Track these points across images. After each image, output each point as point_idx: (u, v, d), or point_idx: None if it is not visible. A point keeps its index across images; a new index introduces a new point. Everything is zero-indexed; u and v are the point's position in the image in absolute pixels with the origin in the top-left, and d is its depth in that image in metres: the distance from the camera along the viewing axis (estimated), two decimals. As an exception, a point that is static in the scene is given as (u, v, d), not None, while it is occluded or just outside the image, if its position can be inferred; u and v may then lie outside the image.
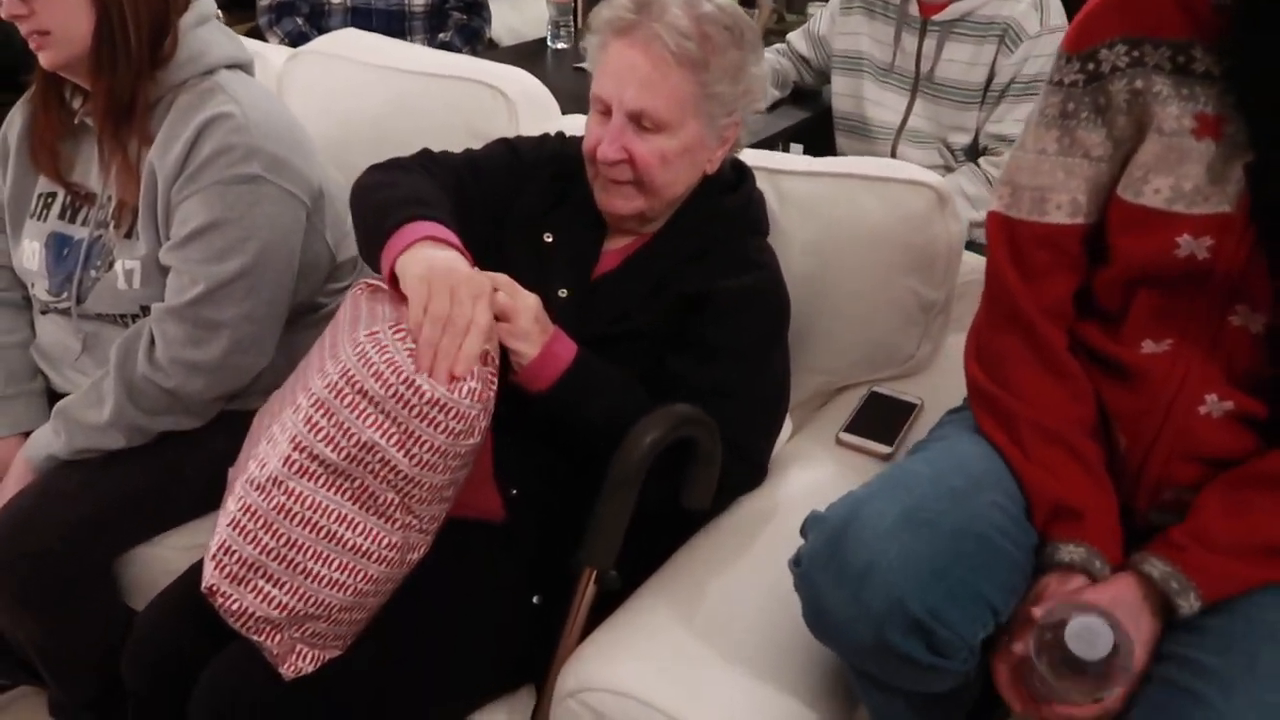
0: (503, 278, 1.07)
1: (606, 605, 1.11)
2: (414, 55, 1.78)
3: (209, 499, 1.21)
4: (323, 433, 0.97)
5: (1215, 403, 0.95)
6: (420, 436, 0.96)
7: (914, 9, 1.90)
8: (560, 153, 1.32)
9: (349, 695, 1.06)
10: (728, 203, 1.27)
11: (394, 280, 1.05)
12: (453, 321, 0.96)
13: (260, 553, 0.99)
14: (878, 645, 0.87)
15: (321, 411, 0.97)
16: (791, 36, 2.20)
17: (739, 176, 1.31)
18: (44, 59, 1.29)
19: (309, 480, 0.98)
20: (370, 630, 1.11)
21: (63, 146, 1.40)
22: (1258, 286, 0.92)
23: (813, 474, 1.24)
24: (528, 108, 1.66)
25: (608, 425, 1.06)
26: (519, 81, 1.68)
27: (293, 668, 1.04)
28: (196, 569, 1.21)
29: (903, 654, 0.87)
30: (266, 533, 0.99)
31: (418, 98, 1.69)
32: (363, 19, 2.59)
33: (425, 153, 1.30)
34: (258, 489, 1.00)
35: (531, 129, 1.63)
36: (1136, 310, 0.99)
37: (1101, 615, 0.84)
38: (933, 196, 1.34)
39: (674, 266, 1.21)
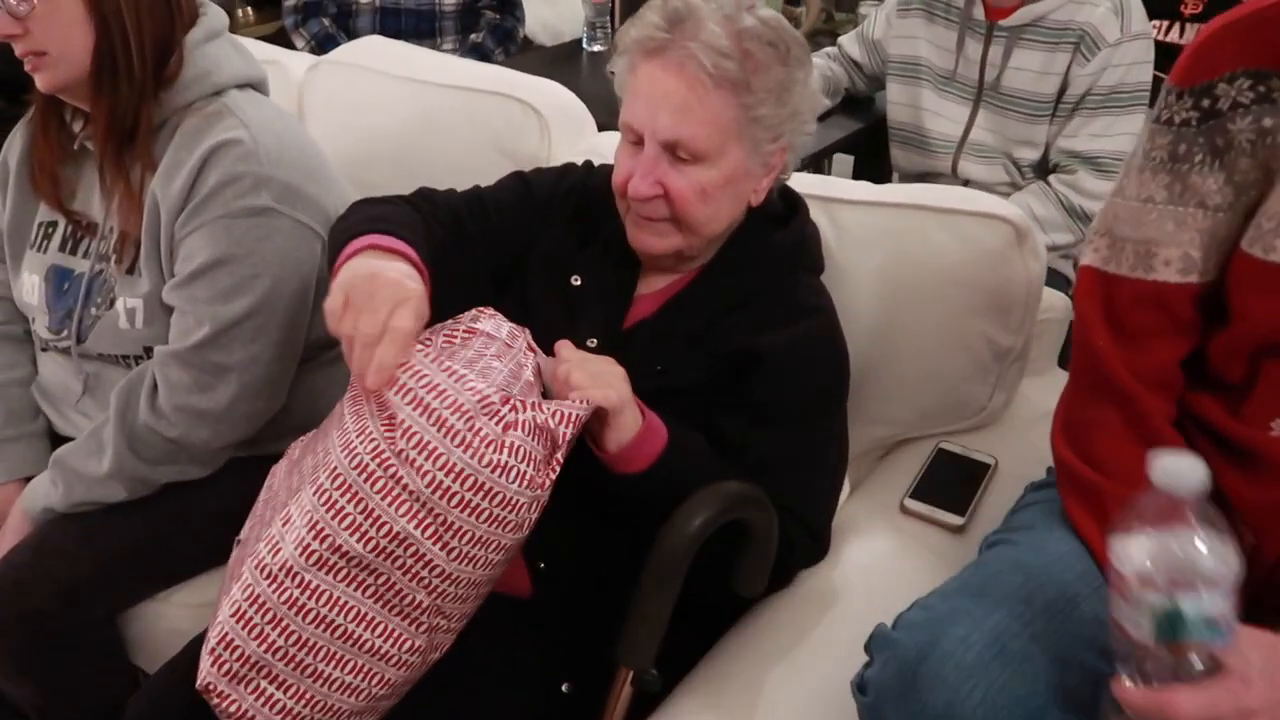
0: (564, 348, 0.97)
1: (643, 704, 0.99)
2: (440, 66, 1.67)
3: (217, 551, 1.11)
4: (348, 519, 0.86)
5: None
6: (460, 527, 0.85)
7: (979, 12, 1.75)
8: (584, 185, 1.20)
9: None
10: (778, 239, 1.14)
11: None
12: (360, 332, 0.88)
13: (266, 650, 0.89)
14: None
15: (347, 494, 0.86)
16: (843, 39, 2.06)
17: (789, 208, 1.18)
18: (41, 81, 1.19)
19: (328, 574, 0.87)
20: (385, 716, 1.01)
21: (63, 172, 1.30)
22: None
23: (874, 548, 1.12)
24: (561, 124, 1.54)
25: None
26: (551, 95, 1.57)
27: None
28: (200, 642, 1.13)
29: None
30: (274, 629, 0.88)
31: (444, 112, 1.58)
32: (392, 19, 2.50)
33: (421, 190, 1.20)
34: (268, 578, 0.88)
35: (564, 146, 1.53)
36: (1265, 385, 0.85)
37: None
38: (1010, 231, 1.20)
39: (717, 314, 1.09)
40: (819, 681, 0.96)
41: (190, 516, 1.29)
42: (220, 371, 1.21)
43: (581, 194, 1.18)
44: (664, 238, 1.08)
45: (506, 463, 0.85)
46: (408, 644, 0.91)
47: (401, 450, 0.85)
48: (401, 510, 0.85)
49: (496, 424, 0.86)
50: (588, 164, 1.24)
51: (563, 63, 2.40)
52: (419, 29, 2.52)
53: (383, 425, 0.87)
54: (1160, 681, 0.68)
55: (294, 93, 1.73)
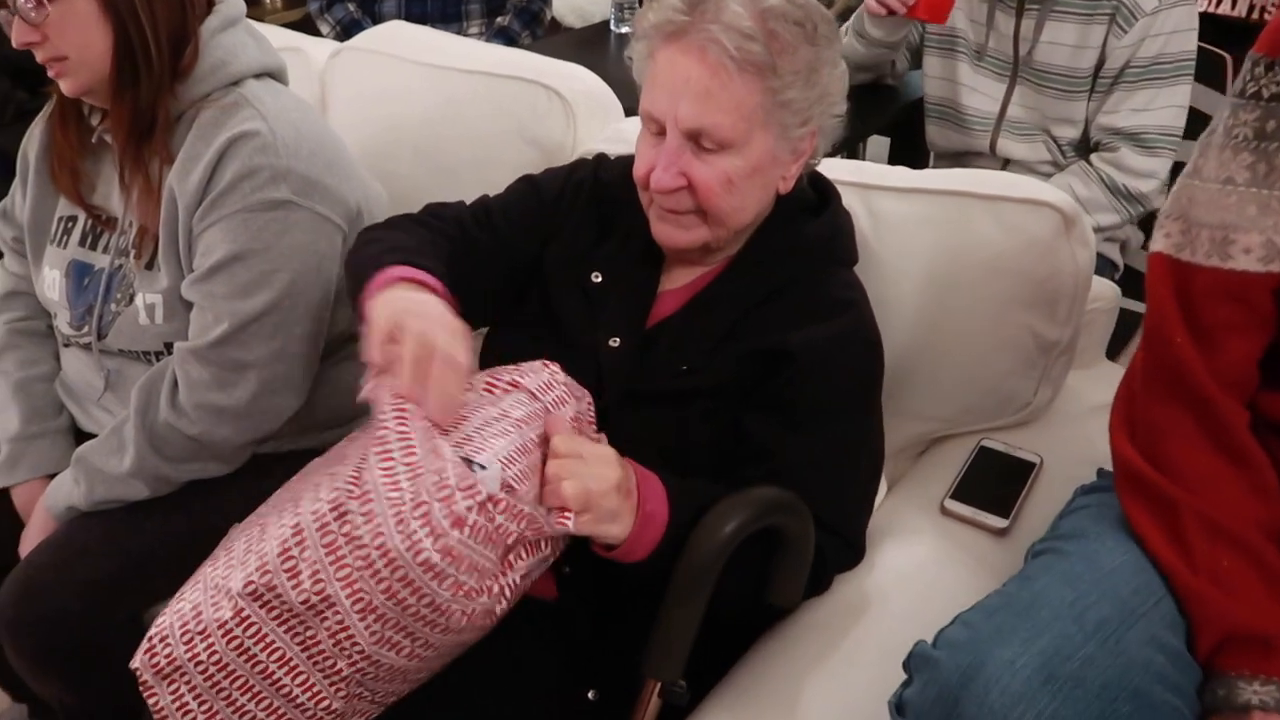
0: (559, 441, 0.90)
1: (671, 716, 0.96)
2: (464, 51, 1.63)
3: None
4: (290, 563, 0.83)
5: None
6: (383, 613, 0.81)
7: None
8: (594, 179, 1.15)
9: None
10: (809, 230, 1.09)
11: None
12: (415, 360, 0.85)
13: (191, 661, 0.87)
14: None
15: (297, 539, 0.83)
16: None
17: (822, 196, 1.13)
18: (65, 87, 1.18)
19: (264, 609, 0.85)
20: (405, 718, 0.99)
21: (83, 166, 1.29)
22: None
23: (912, 552, 1.07)
24: (586, 110, 1.50)
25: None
26: (577, 80, 1.52)
27: None
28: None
29: None
30: (203, 643, 0.87)
31: (468, 99, 1.54)
32: (417, 3, 2.48)
33: (428, 207, 1.17)
34: (212, 598, 0.87)
35: (590, 132, 1.49)
36: None
37: None
38: (1057, 219, 1.14)
39: (745, 310, 1.04)
40: (853, 697, 0.92)
41: (213, 515, 1.25)
42: (240, 368, 1.19)
43: (594, 188, 1.14)
44: (689, 231, 1.03)
45: (438, 566, 0.79)
46: (325, 703, 0.88)
47: (350, 514, 0.81)
48: (340, 574, 0.81)
49: (445, 517, 0.79)
50: (598, 157, 1.20)
51: (590, 46, 2.36)
52: (444, 12, 2.49)
53: (348, 481, 0.83)
54: None
55: (316, 80, 1.70)
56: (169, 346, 1.25)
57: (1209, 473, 0.82)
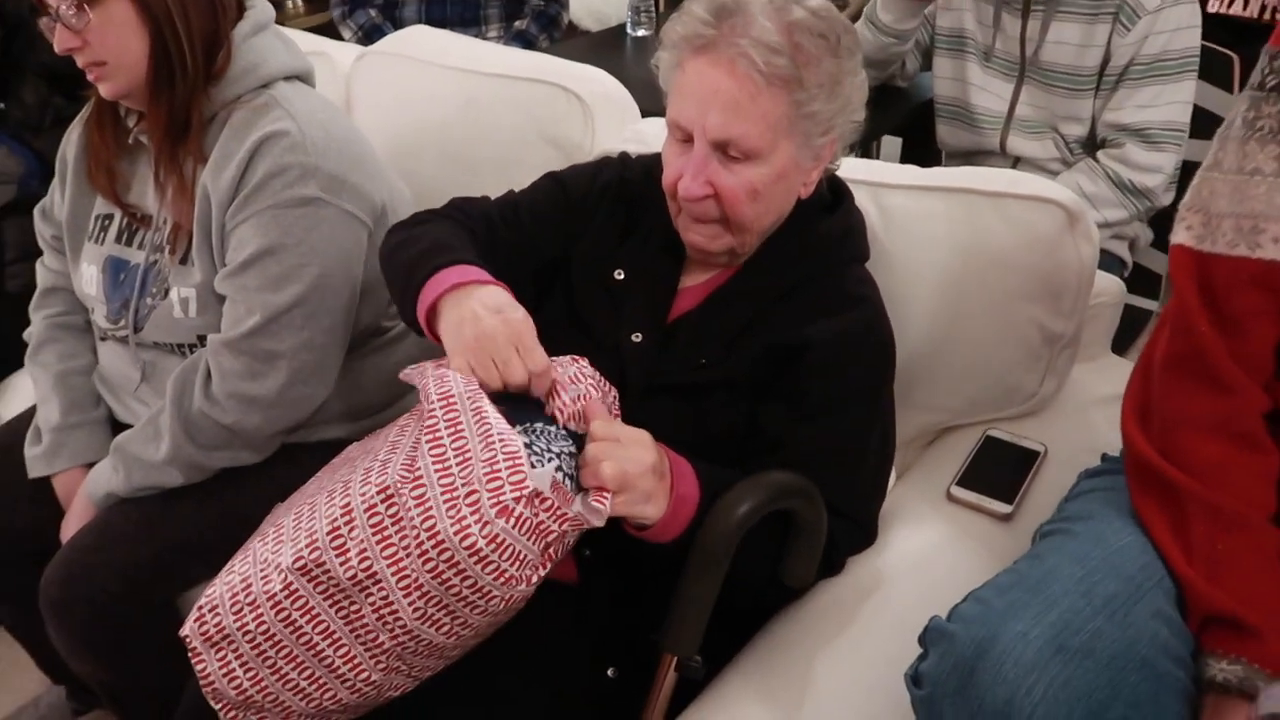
0: (598, 426, 0.93)
1: (688, 689, 0.99)
2: (485, 55, 1.67)
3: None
4: (339, 541, 0.87)
5: None
6: (428, 590, 0.85)
7: None
8: (620, 178, 1.18)
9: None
10: (824, 229, 1.12)
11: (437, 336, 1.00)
12: (512, 384, 0.91)
13: (239, 629, 0.92)
14: None
15: (347, 519, 0.87)
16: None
17: (835, 196, 1.16)
18: (104, 90, 1.23)
19: (311, 584, 0.89)
20: (433, 698, 1.03)
21: (119, 166, 1.34)
22: None
23: (921, 537, 1.10)
24: (604, 110, 1.54)
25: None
26: (596, 82, 1.56)
27: None
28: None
29: None
30: (252, 613, 0.91)
31: (489, 101, 1.59)
32: (437, 8, 2.52)
33: (454, 201, 1.20)
34: (262, 571, 0.91)
35: (608, 132, 1.53)
36: None
37: None
38: (1062, 215, 1.17)
39: (763, 306, 1.08)
40: (867, 670, 0.96)
41: (244, 502, 1.30)
42: (271, 358, 1.23)
43: (619, 187, 1.18)
44: (715, 238, 1.06)
45: (484, 551, 0.82)
46: (364, 674, 0.92)
47: (404, 498, 0.85)
48: (386, 552, 0.85)
49: (492, 506, 0.82)
50: (623, 156, 1.23)
51: (607, 48, 2.40)
52: (464, 17, 2.53)
53: (402, 467, 0.87)
54: None
55: (341, 83, 1.75)
56: (202, 339, 1.30)
57: (1219, 459, 0.84)
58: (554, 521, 0.84)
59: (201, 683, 0.94)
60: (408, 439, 0.92)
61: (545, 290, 1.17)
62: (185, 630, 0.94)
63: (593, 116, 1.52)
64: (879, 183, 1.27)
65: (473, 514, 0.81)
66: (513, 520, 0.82)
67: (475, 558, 0.82)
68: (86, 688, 1.53)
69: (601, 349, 1.07)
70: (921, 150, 2.05)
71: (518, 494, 0.81)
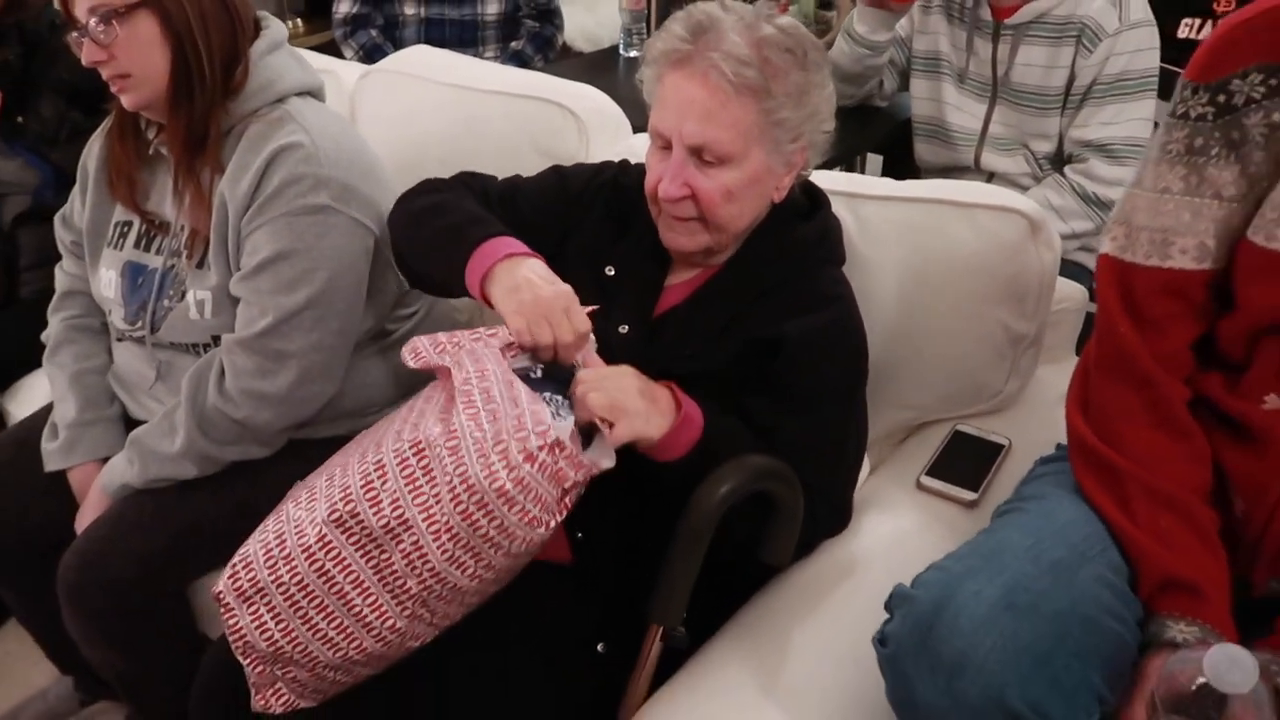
0: (582, 374, 1.02)
1: (673, 659, 1.07)
2: (484, 73, 1.76)
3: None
4: (373, 493, 0.95)
5: None
6: (457, 533, 0.93)
7: (985, 13, 1.80)
8: (616, 181, 1.27)
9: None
10: (801, 232, 1.20)
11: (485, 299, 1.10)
12: (562, 344, 1.02)
13: (273, 582, 0.98)
14: None
15: (380, 473, 0.95)
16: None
17: (813, 202, 1.25)
18: (127, 101, 1.30)
19: (343, 534, 0.96)
20: (431, 670, 1.09)
21: (139, 176, 1.41)
22: None
23: (892, 522, 1.18)
24: (598, 126, 1.62)
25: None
26: (589, 99, 1.65)
27: (264, 701, 1.04)
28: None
29: None
30: (286, 566, 0.98)
31: (487, 117, 1.67)
32: (436, 30, 2.60)
33: (461, 175, 1.29)
34: (297, 526, 0.99)
35: (602, 148, 1.60)
36: (1261, 362, 0.90)
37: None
38: (1024, 223, 1.26)
39: (744, 303, 1.16)
40: (840, 638, 1.03)
41: (254, 495, 1.36)
42: (282, 357, 1.31)
43: (614, 190, 1.26)
44: (693, 236, 1.15)
45: (511, 494, 0.90)
46: (390, 622, 0.98)
47: (437, 450, 0.93)
48: (417, 500, 0.93)
49: (519, 453, 0.90)
50: (623, 162, 1.32)
51: (600, 68, 2.48)
52: (462, 38, 2.61)
53: (437, 423, 0.95)
54: None
55: (346, 100, 1.83)
56: (216, 339, 1.36)
57: (1151, 446, 0.93)
58: (571, 469, 0.93)
59: (231, 637, 1.00)
60: (433, 406, 1.00)
61: None
62: (219, 587, 1.00)
63: (587, 132, 1.60)
64: (856, 193, 1.35)
65: (501, 460, 0.90)
66: (536, 465, 0.90)
67: (503, 499, 0.90)
68: (95, 677, 1.58)
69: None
70: (901, 167, 2.14)
71: (542, 442, 0.91)
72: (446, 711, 1.10)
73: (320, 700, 1.04)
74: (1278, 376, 0.89)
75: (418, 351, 1.05)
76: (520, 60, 2.61)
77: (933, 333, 1.31)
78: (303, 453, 1.34)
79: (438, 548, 0.93)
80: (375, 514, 0.94)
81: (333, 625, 0.98)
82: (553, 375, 1.06)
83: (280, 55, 1.37)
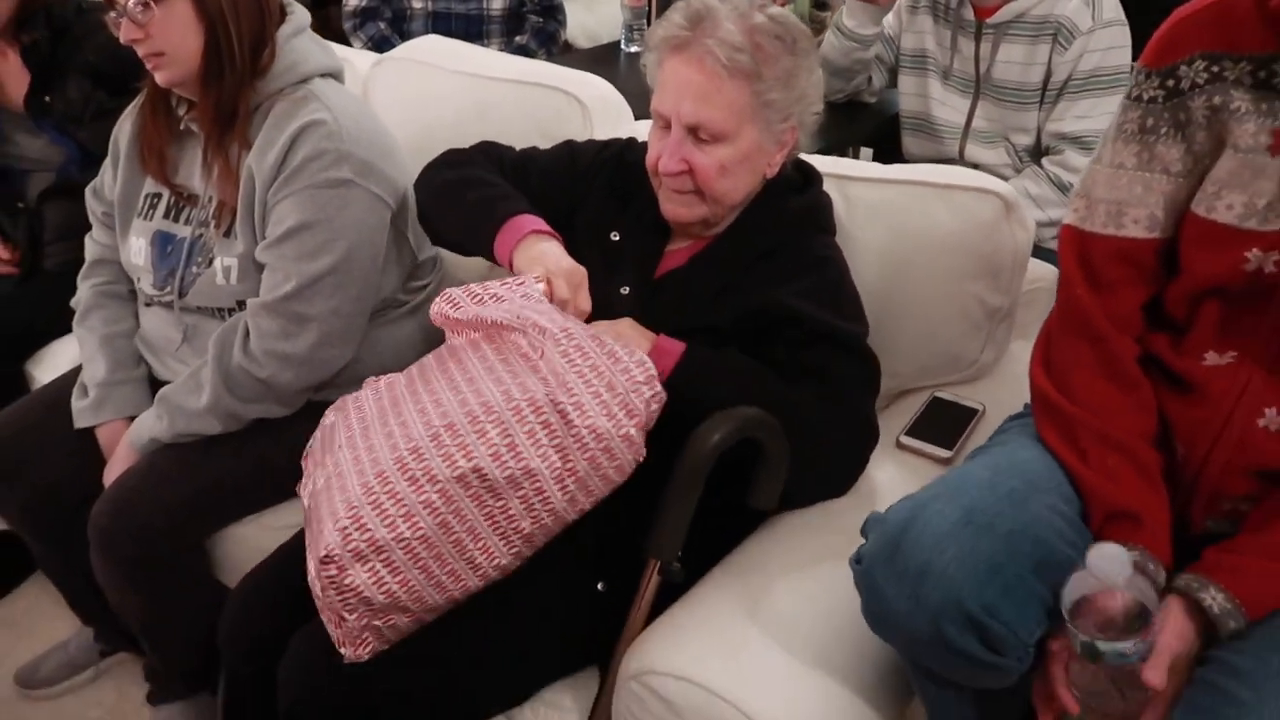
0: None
1: (669, 595, 1.15)
2: (492, 61, 1.84)
3: (294, 485, 1.27)
4: (494, 449, 1.01)
5: (1274, 416, 0.96)
6: (581, 474, 1.03)
7: (969, 13, 1.91)
8: (622, 157, 1.37)
9: (420, 672, 1.12)
10: (793, 203, 1.30)
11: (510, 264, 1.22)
12: (579, 310, 1.16)
13: (393, 538, 1.01)
14: (934, 640, 0.90)
15: (502, 431, 1.02)
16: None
17: (805, 179, 1.34)
18: (160, 78, 1.38)
19: (461, 487, 1.02)
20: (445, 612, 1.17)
21: (169, 150, 1.49)
22: None
23: (874, 475, 1.27)
24: (601, 112, 1.71)
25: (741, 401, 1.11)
26: (593, 87, 1.73)
27: (355, 654, 1.08)
28: (286, 548, 1.31)
29: (959, 649, 0.89)
30: (405, 522, 1.01)
31: (496, 103, 1.75)
32: (443, 23, 2.67)
33: (482, 145, 1.40)
34: (410, 479, 1.01)
35: (605, 132, 1.69)
36: (1202, 322, 1.00)
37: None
38: (999, 204, 1.35)
39: (739, 268, 1.25)
40: (822, 572, 1.13)
41: (273, 453, 1.46)
42: (303, 320, 1.39)
43: (619, 163, 1.36)
44: (691, 208, 1.24)
45: (634, 437, 1.03)
46: (497, 561, 1.07)
47: (560, 402, 1.02)
48: (539, 450, 1.02)
49: (641, 402, 1.03)
50: (630, 139, 1.42)
51: (602, 62, 2.57)
52: (468, 32, 2.68)
53: (540, 380, 1.04)
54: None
55: (360, 86, 1.91)
56: (241, 304, 1.45)
57: (1103, 395, 1.02)
58: (646, 405, 1.06)
59: (342, 596, 1.02)
60: (516, 364, 1.08)
61: None
62: (327, 548, 1.01)
63: (591, 117, 1.69)
64: (845, 175, 1.44)
65: (623, 411, 1.03)
66: (648, 416, 1.05)
67: (628, 444, 1.04)
68: (115, 629, 1.66)
69: (596, 298, 1.24)
70: (890, 159, 2.23)
71: (651, 392, 1.05)
72: (453, 650, 1.18)
73: (394, 641, 1.10)
74: (1216, 335, 0.99)
75: (456, 302, 1.14)
76: (524, 54, 2.68)
77: (914, 306, 1.40)
78: (319, 414, 1.42)
79: (560, 490, 1.03)
80: (499, 468, 1.01)
81: (445, 571, 1.05)
82: None
83: (304, 39, 1.46)
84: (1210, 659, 0.91)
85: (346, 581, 1.02)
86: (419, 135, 1.78)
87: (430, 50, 1.91)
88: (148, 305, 1.55)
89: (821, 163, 1.45)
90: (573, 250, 1.29)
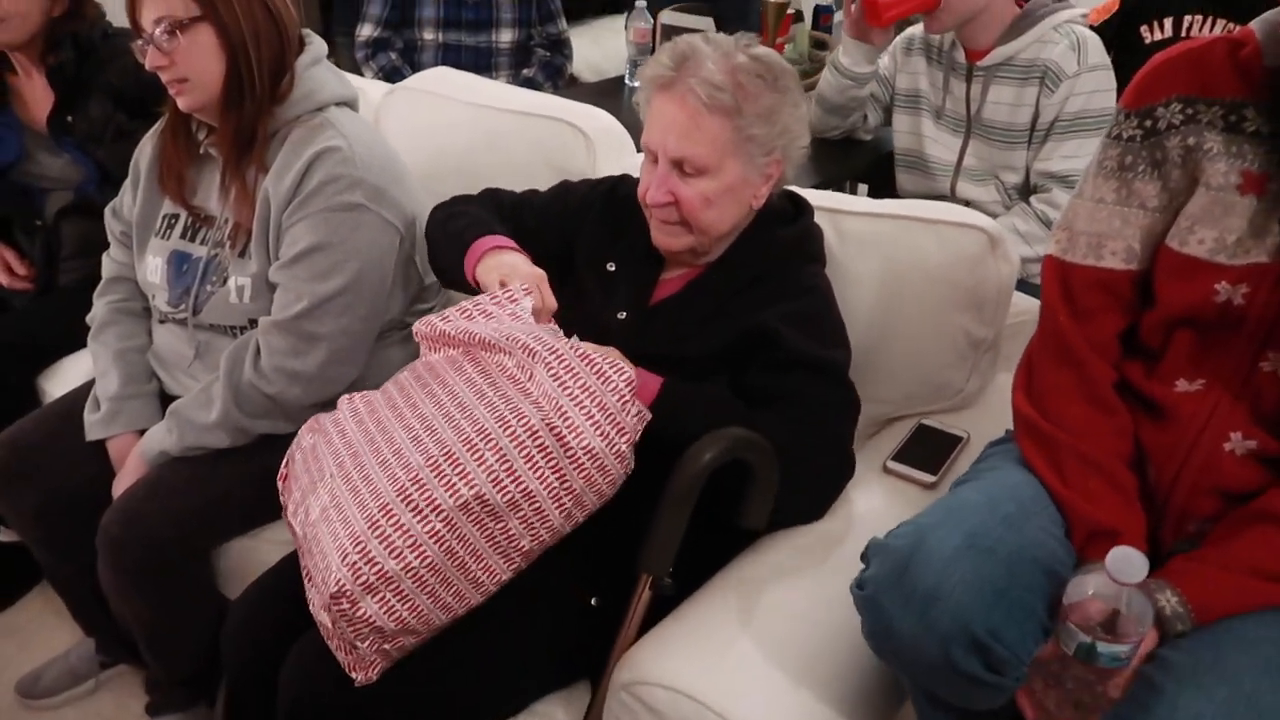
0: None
1: (661, 610, 1.19)
2: (501, 93, 1.90)
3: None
4: (494, 476, 1.04)
5: (1239, 441, 1.00)
6: (577, 492, 1.07)
7: (960, 55, 1.98)
8: (615, 190, 1.44)
9: (417, 683, 1.16)
10: (783, 234, 1.35)
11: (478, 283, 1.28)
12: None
13: (402, 569, 1.03)
14: (943, 663, 0.93)
15: (500, 458, 1.05)
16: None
17: (796, 209, 1.40)
18: (182, 103, 1.44)
19: (464, 514, 1.04)
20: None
21: (188, 173, 1.55)
22: None
23: (860, 498, 1.31)
24: (605, 144, 1.77)
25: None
26: (597, 119, 1.79)
27: (366, 677, 1.11)
28: (288, 560, 1.34)
29: (963, 670, 0.93)
30: (413, 553, 1.03)
31: (503, 133, 1.81)
32: (452, 55, 2.74)
33: (486, 191, 1.47)
34: (414, 511, 1.03)
35: (608, 164, 1.75)
36: (1174, 350, 1.05)
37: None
38: (984, 239, 1.41)
39: (730, 295, 1.30)
40: (812, 590, 1.17)
41: (279, 468, 1.49)
42: (313, 339, 1.44)
43: (611, 197, 1.43)
44: (678, 238, 1.30)
45: (625, 453, 1.07)
46: (498, 577, 1.10)
47: (554, 425, 1.05)
48: (537, 473, 1.05)
49: (628, 417, 1.08)
50: (623, 175, 1.48)
51: (607, 95, 2.63)
52: (477, 64, 2.74)
53: (533, 404, 1.07)
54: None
55: (372, 114, 1.97)
56: (252, 322, 1.50)
57: (1083, 419, 1.07)
58: (639, 428, 1.11)
59: (354, 627, 1.05)
60: (505, 387, 1.10)
61: (562, 278, 1.38)
62: (338, 584, 1.02)
63: (595, 149, 1.75)
64: (836, 209, 1.50)
65: (615, 429, 1.07)
66: (634, 433, 1.09)
67: (619, 459, 1.08)
68: (117, 640, 1.69)
69: (595, 324, 1.30)
70: (885, 194, 2.29)
71: (638, 409, 1.09)
72: (449, 660, 1.21)
73: (402, 657, 1.14)
74: (1187, 363, 1.04)
75: (446, 316, 1.19)
76: (531, 87, 2.74)
77: (902, 335, 1.45)
78: (325, 430, 1.48)
79: (557, 509, 1.07)
80: (500, 493, 1.04)
81: (451, 593, 1.08)
82: None
83: (321, 69, 1.52)
84: (1154, 655, 0.95)
85: (359, 614, 1.04)
86: (429, 163, 1.84)
87: (440, 81, 1.98)
88: (161, 322, 1.60)
89: (815, 196, 1.51)
90: (578, 281, 1.34)
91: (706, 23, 2.55)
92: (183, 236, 1.56)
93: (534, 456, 1.05)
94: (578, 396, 1.07)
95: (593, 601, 1.24)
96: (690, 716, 1.08)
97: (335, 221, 1.42)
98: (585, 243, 1.39)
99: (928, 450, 1.38)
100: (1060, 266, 1.12)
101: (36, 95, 1.89)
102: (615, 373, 1.09)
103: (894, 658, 1.00)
